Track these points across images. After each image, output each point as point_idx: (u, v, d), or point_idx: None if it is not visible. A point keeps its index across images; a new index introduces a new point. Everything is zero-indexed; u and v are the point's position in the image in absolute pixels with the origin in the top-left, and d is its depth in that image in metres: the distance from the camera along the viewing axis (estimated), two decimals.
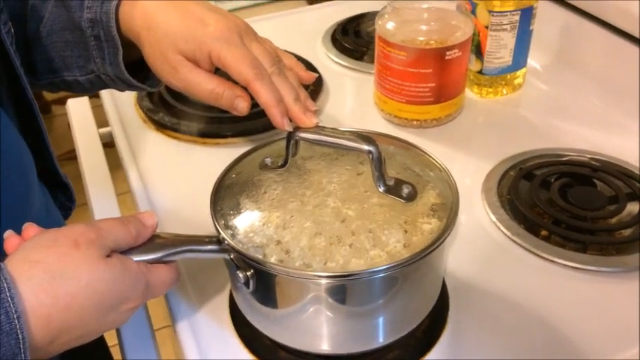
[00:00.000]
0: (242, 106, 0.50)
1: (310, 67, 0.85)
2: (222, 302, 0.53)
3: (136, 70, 0.55)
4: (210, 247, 0.44)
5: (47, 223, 0.57)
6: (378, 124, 0.76)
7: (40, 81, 0.57)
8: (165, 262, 0.43)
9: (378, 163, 0.45)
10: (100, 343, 0.74)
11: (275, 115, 0.48)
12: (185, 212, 0.63)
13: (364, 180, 0.47)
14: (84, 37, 0.52)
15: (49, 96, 2.39)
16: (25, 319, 0.35)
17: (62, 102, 0.87)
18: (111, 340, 0.66)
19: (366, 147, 0.45)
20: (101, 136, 0.80)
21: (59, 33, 0.53)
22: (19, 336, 0.34)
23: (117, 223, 0.41)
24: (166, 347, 0.54)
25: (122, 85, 0.56)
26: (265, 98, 0.47)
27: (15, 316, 0.34)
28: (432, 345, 0.49)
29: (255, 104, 0.50)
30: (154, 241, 0.43)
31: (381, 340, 0.47)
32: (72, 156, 0.77)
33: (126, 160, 0.72)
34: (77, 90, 0.58)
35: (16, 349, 0.34)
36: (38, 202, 0.57)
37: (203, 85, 0.49)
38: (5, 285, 0.34)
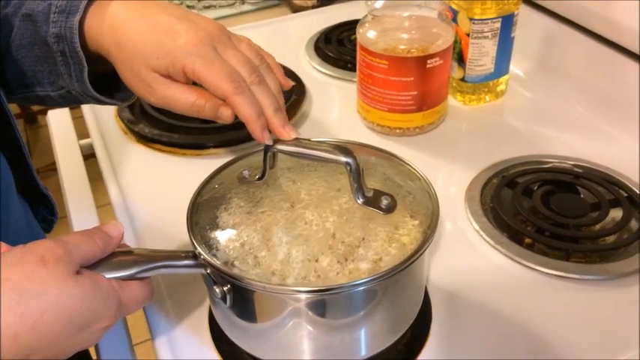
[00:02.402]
0: (226, 114, 0.48)
1: (294, 75, 0.85)
2: (201, 317, 0.52)
3: (110, 81, 0.54)
4: (186, 262, 0.44)
5: (27, 237, 0.56)
6: (361, 132, 0.76)
7: (14, 95, 0.55)
8: (138, 279, 0.42)
9: (357, 175, 0.44)
10: (83, 357, 0.73)
11: (255, 129, 0.46)
12: (165, 224, 0.62)
13: (343, 192, 0.47)
14: (51, 52, 0.51)
15: (35, 106, 2.38)
16: None
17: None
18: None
19: (343, 159, 0.44)
20: (82, 148, 0.79)
21: (28, 47, 0.52)
22: None
23: (83, 237, 0.40)
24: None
25: (92, 101, 0.54)
26: (245, 112, 0.46)
27: None
28: (415, 357, 0.49)
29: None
30: (127, 257, 0.42)
31: (363, 353, 0.46)
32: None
33: (106, 172, 0.72)
34: (51, 104, 0.56)
35: None
36: (18, 217, 0.56)
37: (182, 100, 0.48)
38: None
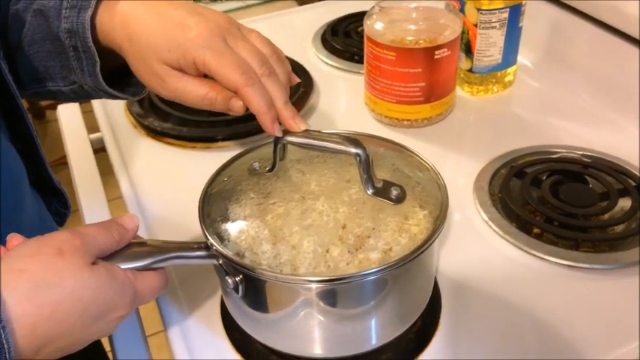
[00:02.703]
0: (238, 106, 0.48)
1: (301, 68, 0.85)
2: (213, 307, 0.53)
3: (121, 75, 0.54)
4: (198, 253, 0.44)
5: (40, 230, 0.57)
6: (369, 124, 0.76)
7: (26, 91, 0.56)
8: (152, 269, 0.43)
9: (366, 166, 0.45)
10: (97, 348, 0.73)
11: (266, 121, 0.47)
12: (176, 217, 0.63)
13: (353, 183, 0.47)
14: (63, 47, 0.51)
15: (43, 101, 2.39)
16: (10, 328, 0.34)
17: (57, 107, 0.87)
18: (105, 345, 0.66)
19: (353, 150, 0.44)
20: (92, 142, 0.79)
21: (40, 43, 0.52)
22: (5, 346, 0.34)
23: (99, 229, 0.41)
24: (165, 351, 0.54)
25: (104, 96, 0.55)
26: (256, 104, 0.46)
27: (0, 326, 0.34)
28: (425, 346, 0.49)
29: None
30: (141, 248, 0.43)
31: (373, 342, 0.47)
32: (67, 161, 0.77)
33: (116, 165, 0.72)
34: (62, 99, 0.57)
35: (1, 359, 0.34)
36: (30, 210, 0.57)
37: (194, 93, 0.48)
38: None
